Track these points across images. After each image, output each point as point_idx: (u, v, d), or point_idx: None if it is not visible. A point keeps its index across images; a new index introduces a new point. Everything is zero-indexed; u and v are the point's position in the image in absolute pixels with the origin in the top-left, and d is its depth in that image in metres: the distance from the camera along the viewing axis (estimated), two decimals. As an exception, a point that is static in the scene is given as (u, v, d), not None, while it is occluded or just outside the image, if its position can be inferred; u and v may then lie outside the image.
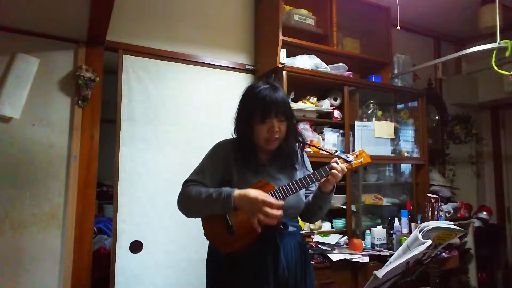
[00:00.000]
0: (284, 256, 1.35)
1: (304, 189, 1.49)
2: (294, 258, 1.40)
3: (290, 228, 1.40)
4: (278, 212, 1.25)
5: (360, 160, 1.49)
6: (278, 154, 1.46)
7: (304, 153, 1.60)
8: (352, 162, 1.47)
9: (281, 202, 1.27)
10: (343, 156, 1.47)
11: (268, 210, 1.23)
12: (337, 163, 1.41)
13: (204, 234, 1.40)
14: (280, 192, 1.34)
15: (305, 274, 1.44)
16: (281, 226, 1.35)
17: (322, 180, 1.41)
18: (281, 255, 1.34)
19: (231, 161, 1.42)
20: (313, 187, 1.55)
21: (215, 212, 1.33)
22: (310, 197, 1.53)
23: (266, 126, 1.38)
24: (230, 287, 1.37)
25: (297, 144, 1.51)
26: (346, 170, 1.43)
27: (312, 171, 1.45)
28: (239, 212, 1.30)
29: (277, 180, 1.43)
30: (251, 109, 1.39)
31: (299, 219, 1.57)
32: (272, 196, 1.32)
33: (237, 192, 1.27)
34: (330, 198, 1.49)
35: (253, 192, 1.25)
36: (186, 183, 1.41)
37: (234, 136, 1.50)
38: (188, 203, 1.37)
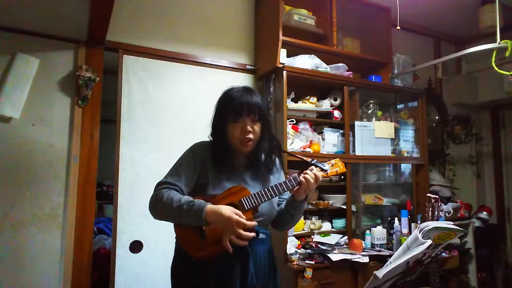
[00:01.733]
0: (253, 263, 1.35)
1: (277, 197, 1.47)
2: (263, 266, 1.40)
3: (261, 235, 1.39)
4: (251, 234, 1.24)
5: (336, 169, 1.48)
6: (252, 158, 1.45)
7: (277, 159, 1.57)
8: (328, 171, 1.47)
9: (254, 223, 1.26)
10: (319, 164, 1.47)
11: (241, 232, 1.22)
12: (312, 170, 1.41)
13: (175, 237, 1.39)
14: (254, 198, 1.33)
15: (274, 281, 1.44)
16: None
17: (296, 187, 1.41)
18: (250, 263, 1.33)
19: (207, 164, 1.41)
20: (286, 195, 1.54)
21: (185, 222, 1.31)
22: (282, 205, 1.52)
23: (238, 125, 1.38)
24: None
25: (272, 149, 1.50)
26: (320, 179, 1.42)
27: (286, 178, 1.44)
28: None
29: (250, 185, 1.42)
30: (225, 109, 1.40)
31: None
32: (245, 202, 1.31)
33: (209, 207, 1.25)
34: (302, 207, 1.48)
35: (226, 210, 1.23)
36: (160, 186, 1.37)
37: (211, 139, 1.49)
38: (159, 208, 1.34)
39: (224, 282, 1.31)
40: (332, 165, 1.49)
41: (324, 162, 1.49)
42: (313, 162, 1.49)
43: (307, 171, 1.41)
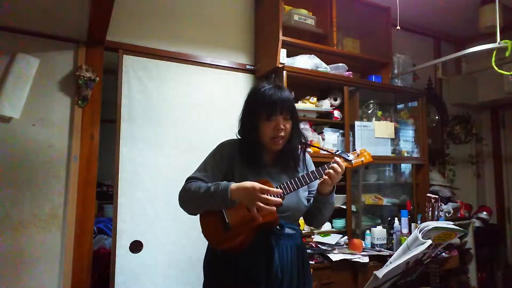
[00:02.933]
0: (279, 257, 1.34)
1: (306, 192, 1.49)
2: (290, 261, 1.39)
3: (288, 231, 1.39)
4: (277, 200, 1.25)
5: (361, 159, 1.46)
6: (281, 154, 1.46)
7: (307, 154, 1.59)
8: (353, 161, 1.45)
9: (279, 191, 1.28)
10: (343, 155, 1.45)
11: (267, 197, 1.24)
12: (336, 162, 1.40)
13: (202, 231, 1.40)
14: (279, 188, 1.33)
15: (303, 277, 1.43)
16: (277, 227, 1.35)
17: (321, 179, 1.40)
18: (275, 256, 1.33)
19: (234, 161, 1.43)
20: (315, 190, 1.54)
21: (214, 206, 1.33)
22: (311, 200, 1.52)
23: (271, 123, 1.38)
24: (223, 286, 1.37)
25: (300, 145, 1.51)
26: (344, 169, 1.41)
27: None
28: (236, 209, 1.31)
29: (278, 181, 1.42)
30: (257, 107, 1.40)
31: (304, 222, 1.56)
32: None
33: (234, 184, 1.29)
34: (329, 201, 1.47)
35: (249, 182, 1.26)
36: (188, 180, 1.43)
37: (238, 137, 1.50)
38: (188, 198, 1.38)
39: (249, 274, 1.32)
40: (358, 155, 1.47)
41: (348, 153, 1.47)
42: (337, 153, 1.48)
43: (331, 163, 1.40)
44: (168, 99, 2.44)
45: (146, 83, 2.37)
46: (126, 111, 2.29)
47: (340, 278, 2.27)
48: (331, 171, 1.37)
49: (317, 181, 1.43)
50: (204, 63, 2.58)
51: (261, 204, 1.23)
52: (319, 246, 2.41)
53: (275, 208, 1.27)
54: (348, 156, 1.45)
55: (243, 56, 2.77)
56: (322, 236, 2.51)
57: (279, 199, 1.26)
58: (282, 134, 1.39)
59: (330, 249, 2.38)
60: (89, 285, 2.13)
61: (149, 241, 2.28)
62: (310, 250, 2.34)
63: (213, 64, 2.61)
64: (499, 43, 2.39)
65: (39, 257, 2.01)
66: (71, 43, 2.17)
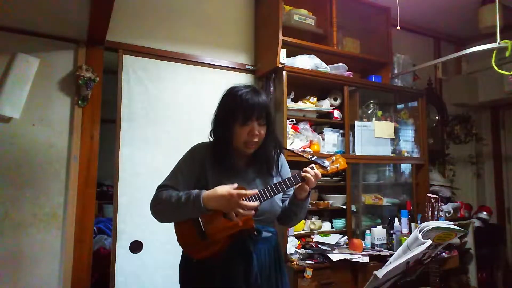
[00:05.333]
0: (257, 262, 1.33)
1: (281, 194, 1.47)
2: (268, 264, 1.39)
3: (264, 234, 1.39)
4: (254, 204, 1.25)
5: (336, 165, 1.47)
6: (255, 158, 1.45)
7: (282, 158, 1.57)
8: (328, 168, 1.45)
9: (255, 191, 1.27)
10: (319, 161, 1.46)
11: (244, 203, 1.23)
12: (312, 168, 1.40)
13: (177, 239, 1.38)
14: (254, 199, 1.32)
15: (281, 279, 1.43)
16: (254, 233, 1.34)
17: (296, 186, 1.40)
18: (254, 262, 1.32)
19: (206, 165, 1.40)
20: (291, 191, 1.53)
21: (187, 215, 1.31)
22: (286, 202, 1.51)
23: (246, 129, 1.36)
24: None
25: (274, 149, 1.49)
26: (320, 176, 1.41)
27: (288, 176, 1.43)
28: (212, 217, 1.29)
29: (252, 185, 1.41)
30: (232, 111, 1.36)
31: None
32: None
33: (206, 192, 1.26)
34: (304, 205, 1.47)
35: (222, 188, 1.24)
36: (159, 189, 1.39)
37: (211, 139, 1.47)
38: (160, 208, 1.34)
39: (228, 282, 1.31)
40: (333, 161, 1.47)
41: (325, 158, 1.48)
42: (312, 159, 1.48)
43: (307, 168, 1.40)
44: (168, 99, 2.44)
45: (146, 83, 2.37)
46: (126, 111, 2.29)
47: (340, 278, 2.27)
48: (307, 175, 1.37)
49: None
50: (204, 63, 2.58)
51: (241, 210, 1.23)
52: (319, 246, 2.41)
53: (253, 212, 1.26)
54: (324, 162, 1.45)
55: (243, 56, 2.77)
56: (322, 236, 2.51)
57: (256, 202, 1.26)
58: (256, 139, 1.38)
59: (330, 249, 2.38)
60: (89, 285, 2.13)
61: (149, 241, 2.28)
62: (310, 250, 2.34)
63: (213, 64, 2.61)
64: (499, 43, 2.39)
65: (39, 257, 2.01)
66: (71, 43, 2.17)
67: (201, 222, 1.31)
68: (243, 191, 1.24)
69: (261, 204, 1.32)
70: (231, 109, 1.37)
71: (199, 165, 1.41)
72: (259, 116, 1.37)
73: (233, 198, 1.22)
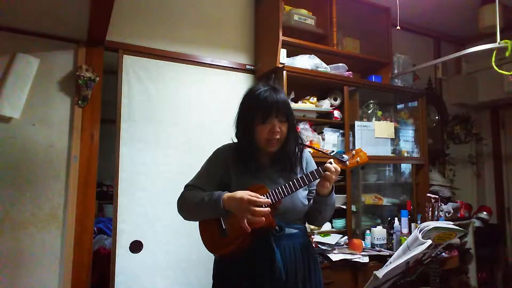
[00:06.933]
0: (281, 258, 1.34)
1: (306, 191, 1.48)
2: (294, 261, 1.38)
3: (289, 230, 1.39)
4: (265, 210, 1.25)
5: (357, 159, 1.44)
6: (278, 156, 1.46)
7: (307, 154, 1.57)
8: (347, 162, 1.43)
9: (267, 200, 1.28)
10: (338, 156, 1.45)
11: (255, 208, 1.24)
12: (331, 163, 1.39)
13: (201, 237, 1.42)
14: (273, 195, 1.33)
15: (311, 276, 1.42)
16: (276, 229, 1.35)
17: (316, 181, 1.41)
18: (277, 258, 1.32)
19: (230, 165, 1.44)
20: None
21: (208, 216, 1.37)
22: (311, 201, 1.51)
23: (267, 127, 1.38)
24: (228, 286, 1.39)
25: (296, 146, 1.50)
26: (339, 171, 1.40)
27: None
28: (232, 215, 1.31)
29: (276, 183, 1.41)
30: (252, 110, 1.39)
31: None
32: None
33: (226, 194, 1.31)
34: (328, 202, 1.45)
35: (240, 193, 1.28)
36: (185, 188, 1.47)
37: (235, 141, 1.50)
38: (184, 207, 1.43)
39: (252, 278, 1.33)
40: (353, 155, 1.45)
41: (343, 154, 1.45)
42: (332, 154, 1.48)
43: (326, 164, 1.39)
44: (168, 99, 2.44)
45: (146, 83, 2.37)
46: (126, 111, 2.29)
47: (340, 278, 2.27)
48: (327, 172, 1.37)
49: (317, 180, 1.42)
50: (204, 63, 2.58)
51: (249, 216, 1.24)
52: (319, 246, 2.41)
53: (263, 219, 1.26)
54: (343, 157, 1.44)
55: (243, 56, 2.77)
56: (322, 236, 2.51)
57: (266, 209, 1.26)
58: (278, 137, 1.39)
59: (330, 249, 2.38)
60: (89, 285, 2.13)
61: (149, 241, 2.28)
62: (310, 250, 2.34)
63: (213, 64, 2.61)
64: (499, 43, 2.39)
65: (39, 257, 2.01)
66: (71, 43, 2.17)
67: (222, 220, 1.36)
68: (254, 198, 1.25)
69: (282, 202, 1.34)
70: (251, 109, 1.41)
71: (223, 166, 1.45)
72: (279, 114, 1.38)
73: (244, 203, 1.25)
